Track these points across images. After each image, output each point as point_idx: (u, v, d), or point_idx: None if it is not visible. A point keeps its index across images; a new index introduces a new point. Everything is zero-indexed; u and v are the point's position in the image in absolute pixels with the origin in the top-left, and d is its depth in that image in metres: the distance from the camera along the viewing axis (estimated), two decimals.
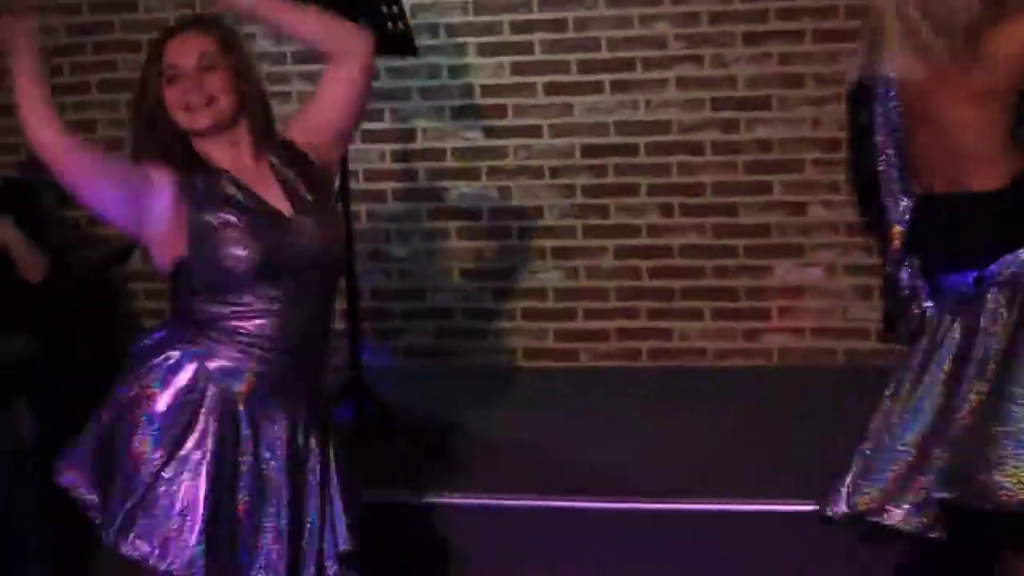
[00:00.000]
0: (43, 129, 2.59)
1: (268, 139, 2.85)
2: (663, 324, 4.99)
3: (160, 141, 2.76)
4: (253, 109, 2.81)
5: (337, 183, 3.74)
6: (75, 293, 4.50)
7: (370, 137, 5.02)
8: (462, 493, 3.72)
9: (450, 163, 5.08)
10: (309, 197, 2.81)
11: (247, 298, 2.71)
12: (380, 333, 5.11)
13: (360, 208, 4.98)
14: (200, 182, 2.73)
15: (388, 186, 5.15)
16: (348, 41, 2.86)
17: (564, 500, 3.72)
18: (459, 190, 5.10)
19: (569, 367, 5.03)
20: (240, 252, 2.67)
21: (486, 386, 4.77)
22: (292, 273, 2.73)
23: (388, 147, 5.12)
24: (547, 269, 5.06)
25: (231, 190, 2.74)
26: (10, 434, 3.86)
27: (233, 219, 2.70)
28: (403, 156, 5.09)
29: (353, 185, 4.57)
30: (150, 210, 2.70)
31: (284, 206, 2.77)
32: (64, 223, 5.17)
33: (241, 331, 2.71)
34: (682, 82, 4.85)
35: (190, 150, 2.78)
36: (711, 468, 3.85)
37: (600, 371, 4.99)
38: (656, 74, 4.86)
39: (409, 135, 5.08)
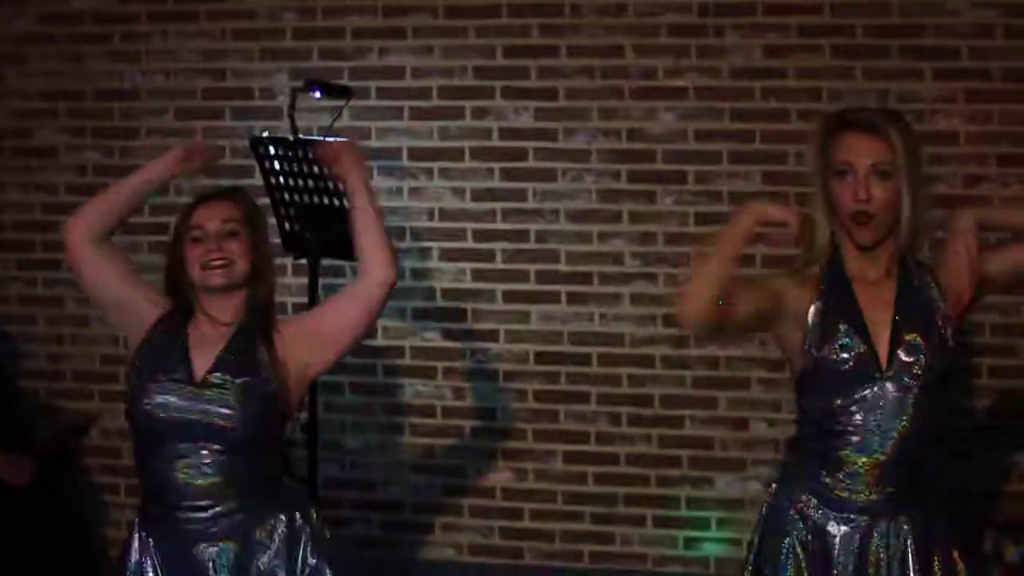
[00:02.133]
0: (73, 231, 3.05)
1: (264, 313, 3.07)
2: (606, 528, 5.12)
3: (172, 283, 3.07)
4: (260, 281, 3.05)
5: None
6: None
7: None
8: None
9: (408, 361, 5.23)
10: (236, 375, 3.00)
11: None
12: (329, 522, 5.14)
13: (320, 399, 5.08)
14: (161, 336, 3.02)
15: (345, 379, 5.27)
16: (382, 264, 3.15)
17: None
18: (415, 388, 5.24)
19: (513, 564, 5.13)
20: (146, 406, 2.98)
21: None
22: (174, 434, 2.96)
23: None
24: (497, 469, 5.19)
25: (174, 347, 3.00)
26: None
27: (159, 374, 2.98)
28: (363, 352, 5.22)
29: None
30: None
31: (201, 368, 2.99)
32: (24, 394, 5.21)
33: None
34: (636, 298, 5.06)
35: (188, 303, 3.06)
36: None
37: (543, 570, 5.09)
38: (611, 288, 5.08)
39: (371, 332, 5.21)
